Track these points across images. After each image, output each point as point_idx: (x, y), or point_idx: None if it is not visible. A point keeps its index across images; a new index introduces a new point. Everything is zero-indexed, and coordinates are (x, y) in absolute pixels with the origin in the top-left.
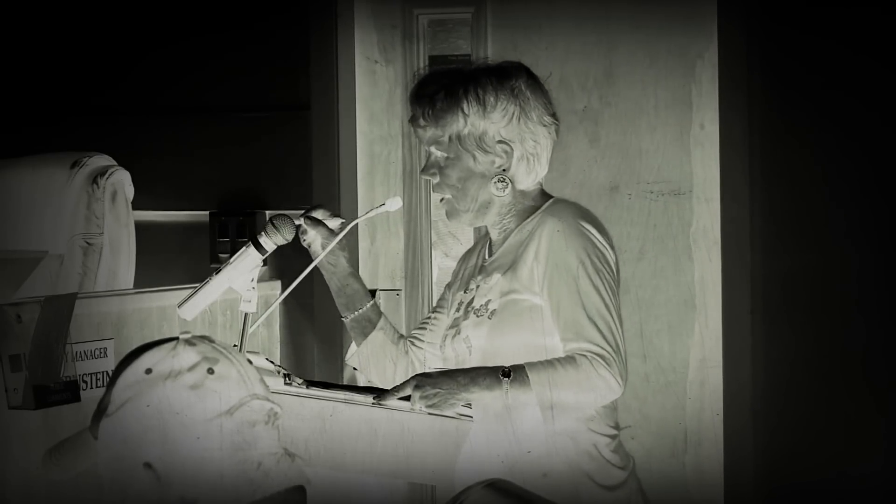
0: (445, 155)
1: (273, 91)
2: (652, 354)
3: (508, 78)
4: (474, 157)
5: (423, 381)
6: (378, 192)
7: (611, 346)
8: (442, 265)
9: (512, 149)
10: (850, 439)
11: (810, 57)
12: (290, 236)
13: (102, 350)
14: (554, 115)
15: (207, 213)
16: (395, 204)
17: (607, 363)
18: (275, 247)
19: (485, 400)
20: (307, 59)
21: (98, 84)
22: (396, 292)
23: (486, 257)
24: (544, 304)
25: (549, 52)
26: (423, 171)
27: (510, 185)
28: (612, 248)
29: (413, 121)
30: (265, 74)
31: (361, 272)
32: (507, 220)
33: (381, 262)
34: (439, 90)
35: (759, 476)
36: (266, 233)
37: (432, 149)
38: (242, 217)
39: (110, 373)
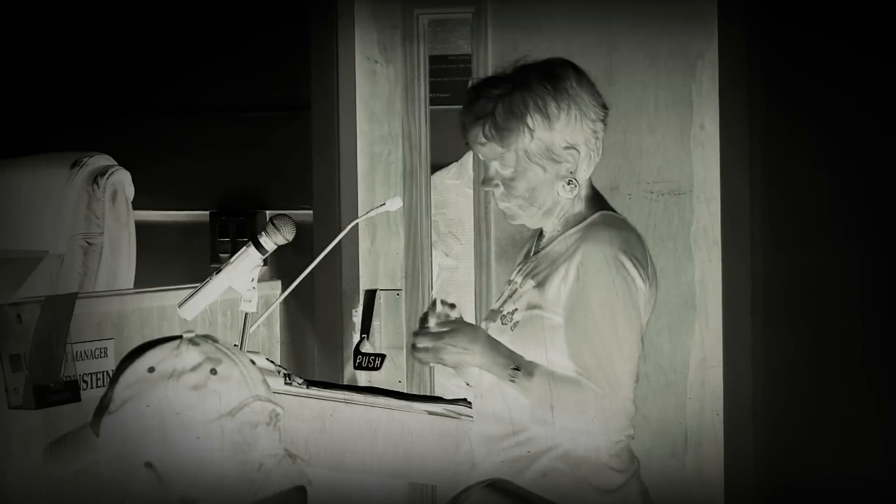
0: (512, 169)
1: (273, 91)
2: (652, 354)
3: (561, 80)
4: (544, 169)
5: (474, 332)
6: (378, 192)
7: (608, 389)
8: (442, 265)
9: (579, 151)
10: (850, 439)
11: (810, 57)
12: (290, 236)
13: (103, 350)
14: (604, 105)
15: (208, 212)
16: (396, 204)
17: (604, 403)
18: (275, 247)
19: (487, 371)
20: (307, 58)
21: (98, 84)
22: (396, 292)
23: (532, 253)
24: (564, 327)
25: (549, 52)
26: (484, 183)
27: (578, 184)
28: (648, 278)
29: (471, 139)
30: (265, 74)
31: (361, 272)
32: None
33: (381, 262)
34: (497, 105)
35: (760, 476)
36: (266, 233)
37: (494, 164)
38: (243, 217)
39: (110, 373)
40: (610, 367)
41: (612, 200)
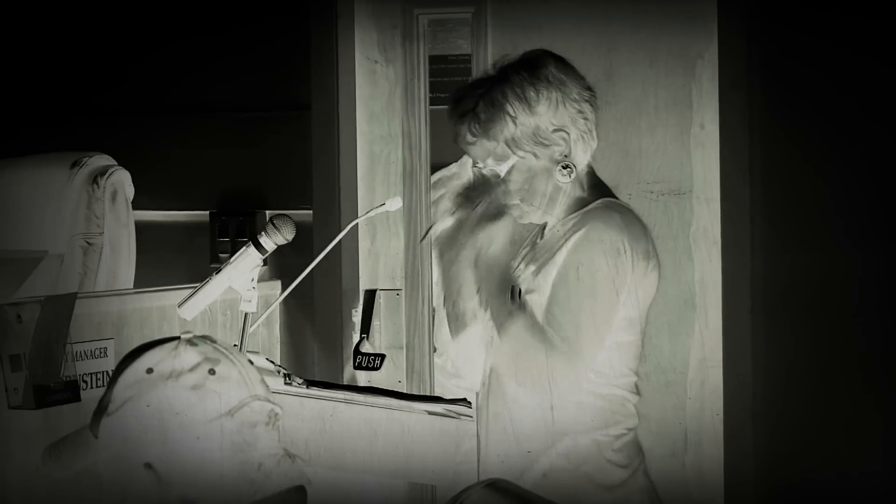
0: (506, 162)
1: (273, 91)
2: (652, 354)
3: (538, 67)
4: (535, 155)
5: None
6: (378, 192)
7: (569, 350)
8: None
9: (568, 133)
10: (849, 439)
11: (810, 57)
12: (290, 236)
13: (102, 350)
14: (590, 88)
15: (207, 212)
16: (395, 204)
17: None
18: (275, 246)
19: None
20: (307, 58)
21: (98, 84)
22: (396, 292)
23: (539, 240)
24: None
25: None
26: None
27: (575, 169)
28: (646, 262)
29: (460, 140)
30: (265, 74)
31: (361, 272)
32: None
33: (380, 262)
34: (478, 102)
35: (759, 475)
36: (266, 232)
37: (489, 161)
38: (242, 217)
39: (110, 373)
40: (577, 335)
41: None
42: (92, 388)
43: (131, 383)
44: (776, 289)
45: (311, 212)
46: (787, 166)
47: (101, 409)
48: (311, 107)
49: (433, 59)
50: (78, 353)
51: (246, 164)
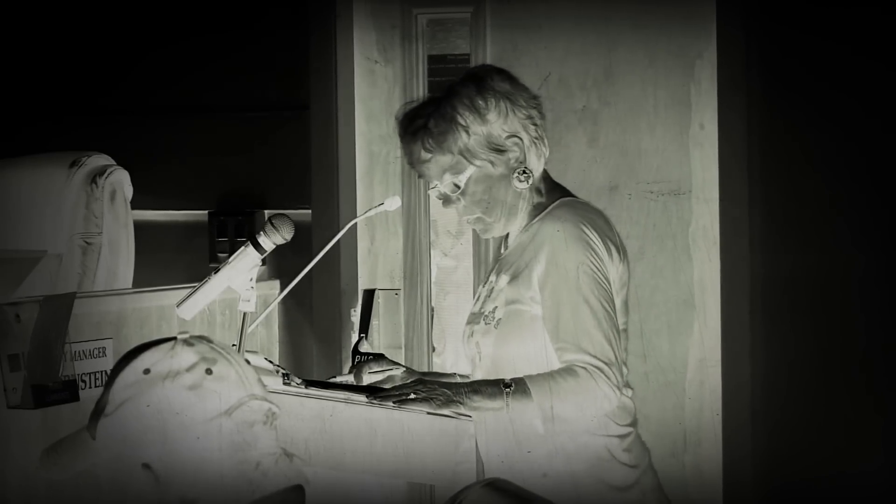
0: (464, 174)
1: (272, 91)
2: (651, 354)
3: (483, 80)
4: (492, 163)
5: (425, 381)
6: (377, 192)
7: (608, 358)
8: (441, 264)
9: (521, 139)
10: (849, 439)
11: (809, 57)
12: (288, 236)
13: (101, 349)
14: (535, 96)
15: (206, 212)
16: (394, 203)
17: (606, 376)
18: (273, 246)
19: (485, 407)
20: (306, 58)
21: (97, 84)
22: (395, 292)
23: (503, 250)
24: (542, 310)
25: (548, 51)
26: (445, 202)
27: (532, 174)
28: (618, 249)
29: (414, 161)
30: (265, 74)
31: (360, 272)
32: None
33: (380, 262)
34: (429, 119)
35: (758, 475)
36: (265, 232)
37: (446, 177)
38: (241, 217)
39: (109, 372)
40: (602, 335)
41: (612, 200)
42: (91, 387)
43: (128, 384)
44: (775, 289)
45: (309, 211)
46: (786, 166)
47: (99, 410)
48: (310, 106)
49: (432, 59)
50: (77, 353)
51: (245, 163)
